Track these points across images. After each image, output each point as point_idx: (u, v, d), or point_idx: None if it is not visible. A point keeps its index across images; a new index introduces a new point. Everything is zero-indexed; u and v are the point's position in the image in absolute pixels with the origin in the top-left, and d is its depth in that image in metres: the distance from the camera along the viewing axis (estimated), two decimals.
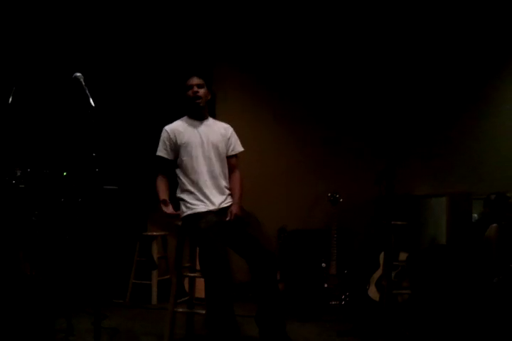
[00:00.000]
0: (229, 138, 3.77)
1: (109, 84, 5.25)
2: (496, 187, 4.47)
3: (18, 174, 3.72)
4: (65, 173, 4.03)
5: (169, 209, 3.53)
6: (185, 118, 3.77)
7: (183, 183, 3.60)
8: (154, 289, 5.05)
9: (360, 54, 5.56)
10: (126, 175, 5.24)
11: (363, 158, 5.44)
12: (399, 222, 4.63)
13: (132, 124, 5.49)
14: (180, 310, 3.74)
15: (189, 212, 3.55)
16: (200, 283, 3.86)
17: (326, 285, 4.69)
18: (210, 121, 3.78)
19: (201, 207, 3.53)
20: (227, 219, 3.50)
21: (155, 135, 5.52)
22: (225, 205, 3.61)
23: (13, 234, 3.59)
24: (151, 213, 5.43)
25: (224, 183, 3.67)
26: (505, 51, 5.24)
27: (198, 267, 4.15)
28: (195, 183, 3.58)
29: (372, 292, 4.68)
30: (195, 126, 3.69)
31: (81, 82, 2.84)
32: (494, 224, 3.98)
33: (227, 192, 3.67)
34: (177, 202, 3.67)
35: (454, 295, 3.88)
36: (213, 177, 3.61)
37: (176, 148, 3.64)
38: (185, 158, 3.60)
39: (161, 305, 4.78)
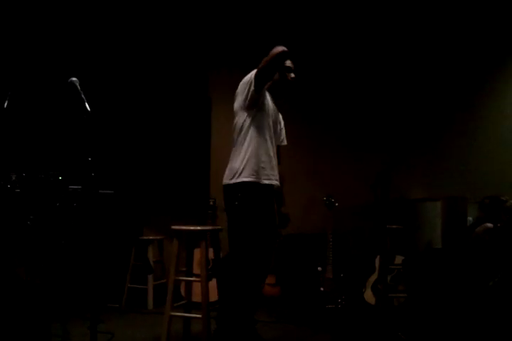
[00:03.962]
0: (282, 128, 3.62)
1: (105, 89, 5.26)
2: (491, 191, 4.49)
3: (14, 178, 3.71)
4: (60, 178, 4.03)
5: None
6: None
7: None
8: (150, 293, 5.04)
9: (357, 62, 5.58)
10: (122, 179, 5.24)
11: (358, 162, 5.45)
12: (394, 226, 4.65)
13: (128, 128, 5.49)
14: (177, 314, 3.74)
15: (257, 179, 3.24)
16: (197, 287, 3.86)
17: (322, 289, 4.69)
18: None
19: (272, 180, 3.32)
20: None
21: (151, 139, 5.56)
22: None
23: (8, 239, 3.58)
24: (148, 217, 5.43)
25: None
26: (500, 57, 5.29)
27: (194, 271, 4.16)
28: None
29: (369, 295, 4.68)
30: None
31: (76, 87, 2.84)
32: (489, 224, 4.00)
33: None
34: None
35: (450, 299, 3.89)
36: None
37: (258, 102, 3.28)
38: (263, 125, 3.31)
39: (157, 309, 4.77)
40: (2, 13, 4.99)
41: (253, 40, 5.65)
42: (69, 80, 2.86)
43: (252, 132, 3.25)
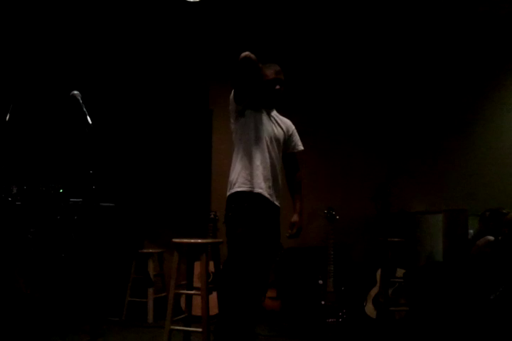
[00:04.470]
0: (291, 135, 3.54)
1: (106, 102, 5.28)
2: (492, 204, 4.49)
3: (15, 191, 3.72)
4: (61, 190, 4.03)
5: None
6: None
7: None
8: (150, 307, 5.01)
9: (358, 75, 5.62)
10: (122, 192, 5.24)
11: (358, 175, 5.46)
12: (395, 239, 4.64)
13: (129, 141, 5.50)
14: (177, 328, 3.72)
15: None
16: (197, 301, 3.85)
17: (323, 303, 4.67)
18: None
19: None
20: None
21: (152, 151, 5.57)
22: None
23: (9, 252, 3.57)
24: (148, 230, 5.42)
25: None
26: (501, 67, 5.32)
27: (195, 284, 4.14)
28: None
29: (370, 309, 4.66)
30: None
31: (78, 100, 2.86)
32: (490, 237, 4.00)
33: None
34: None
35: (452, 312, 3.87)
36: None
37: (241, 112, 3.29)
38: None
39: (158, 323, 4.74)
40: (4, 26, 5.03)
41: (253, 53, 5.67)
42: (71, 93, 2.88)
43: (243, 145, 3.25)
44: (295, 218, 3.45)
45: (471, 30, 5.29)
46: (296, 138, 3.52)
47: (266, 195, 3.20)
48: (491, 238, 3.99)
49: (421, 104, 5.52)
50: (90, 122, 2.77)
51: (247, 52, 3.06)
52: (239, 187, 3.18)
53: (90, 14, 5.17)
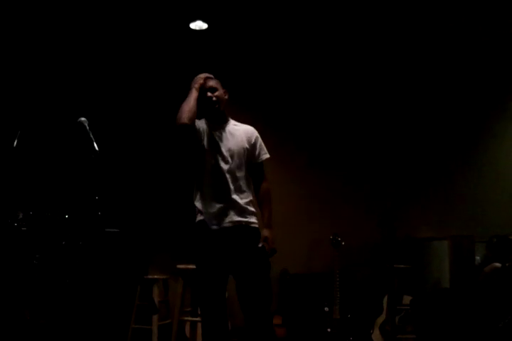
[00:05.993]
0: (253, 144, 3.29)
1: (113, 129, 5.33)
2: (499, 230, 4.47)
3: (20, 217, 3.73)
4: (66, 216, 4.04)
5: None
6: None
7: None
8: (155, 334, 4.96)
9: (360, 102, 5.65)
10: (128, 218, 5.25)
11: (364, 201, 5.45)
12: (402, 265, 4.61)
13: (135, 168, 5.53)
14: None
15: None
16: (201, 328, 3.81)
17: (329, 330, 4.62)
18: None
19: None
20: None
21: (157, 179, 5.60)
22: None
23: (14, 277, 3.56)
24: (153, 256, 5.41)
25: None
26: (504, 95, 5.36)
27: (199, 311, 4.11)
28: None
29: (377, 336, 4.60)
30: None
31: (85, 127, 2.89)
32: (497, 263, 3.97)
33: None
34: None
35: (460, 340, 3.82)
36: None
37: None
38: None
39: None
40: (12, 54, 5.11)
41: (249, 73, 5.72)
42: (78, 120, 2.91)
43: (195, 178, 3.16)
44: (264, 233, 3.11)
45: (479, 52, 5.33)
46: (260, 146, 3.26)
47: (222, 226, 3.05)
48: (498, 265, 3.97)
49: (427, 130, 5.53)
50: (97, 149, 2.79)
51: (181, 120, 3.01)
52: (198, 216, 3.11)
53: (97, 41, 5.25)
